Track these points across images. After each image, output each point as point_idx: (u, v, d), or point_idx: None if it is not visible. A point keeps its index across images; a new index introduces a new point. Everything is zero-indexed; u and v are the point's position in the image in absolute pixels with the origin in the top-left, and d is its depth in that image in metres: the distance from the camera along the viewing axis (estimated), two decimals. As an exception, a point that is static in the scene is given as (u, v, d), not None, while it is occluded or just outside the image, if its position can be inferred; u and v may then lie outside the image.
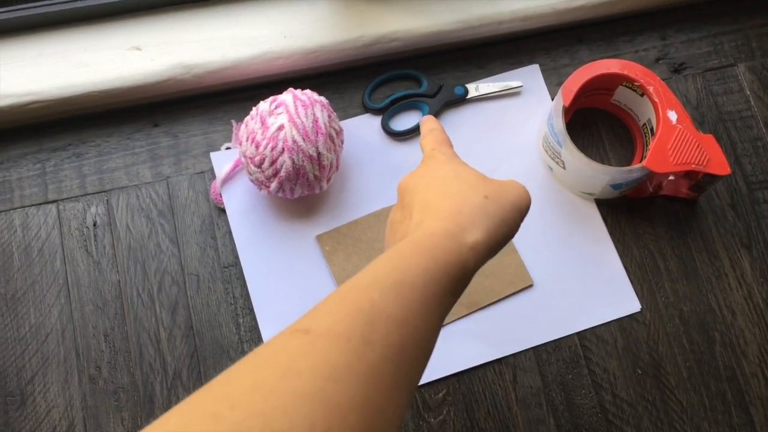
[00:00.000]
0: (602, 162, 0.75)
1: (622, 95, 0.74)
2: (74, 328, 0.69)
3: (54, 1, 0.73)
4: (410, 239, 0.47)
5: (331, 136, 0.68)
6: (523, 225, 0.72)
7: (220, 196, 0.73)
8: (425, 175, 0.53)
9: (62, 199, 0.73)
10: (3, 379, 0.67)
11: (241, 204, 0.73)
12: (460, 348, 0.70)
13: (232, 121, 0.75)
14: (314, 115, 0.67)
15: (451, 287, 0.45)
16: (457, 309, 0.70)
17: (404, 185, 0.54)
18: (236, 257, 0.71)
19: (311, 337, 0.39)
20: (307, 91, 0.69)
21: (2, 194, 0.73)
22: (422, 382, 0.68)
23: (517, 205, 0.51)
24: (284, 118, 0.66)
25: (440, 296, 0.44)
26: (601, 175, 0.70)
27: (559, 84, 0.78)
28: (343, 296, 0.43)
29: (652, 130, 0.72)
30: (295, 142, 0.66)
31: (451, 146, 0.58)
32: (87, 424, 0.66)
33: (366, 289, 0.43)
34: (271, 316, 0.70)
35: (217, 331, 0.69)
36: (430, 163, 0.55)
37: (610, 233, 0.74)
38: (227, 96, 0.77)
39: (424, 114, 0.76)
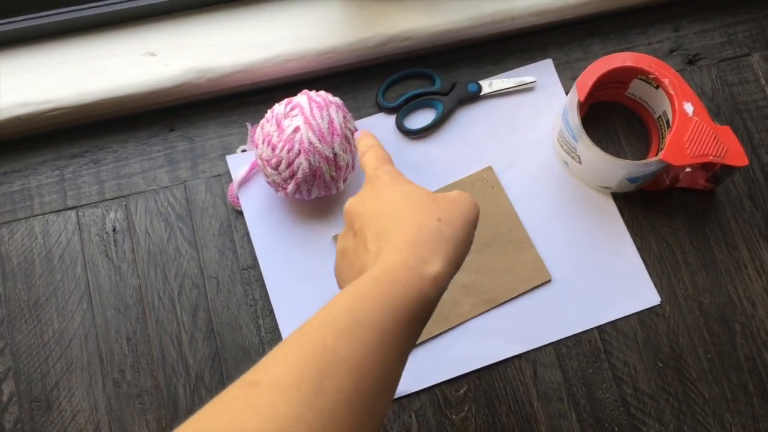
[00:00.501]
0: (618, 156, 0.74)
1: (637, 88, 0.74)
2: (97, 332, 0.70)
3: (68, 8, 0.74)
4: (369, 275, 0.46)
5: (346, 137, 0.68)
6: (540, 220, 0.73)
7: (237, 199, 0.73)
8: (373, 199, 0.52)
9: (81, 206, 0.73)
10: (28, 384, 0.68)
11: (259, 206, 0.73)
12: (479, 345, 0.70)
13: (248, 124, 0.75)
14: (329, 116, 0.67)
15: (412, 321, 0.44)
16: (476, 306, 0.70)
17: (351, 210, 0.53)
18: (255, 259, 0.72)
19: (259, 390, 0.38)
20: (322, 93, 0.70)
21: (22, 202, 0.73)
22: (443, 379, 0.69)
23: (469, 220, 0.51)
24: (300, 120, 0.67)
25: (400, 333, 0.43)
26: (618, 169, 0.70)
27: (573, 78, 0.78)
28: (296, 341, 0.42)
29: (667, 122, 0.71)
30: (311, 143, 0.66)
31: (392, 163, 0.57)
32: (112, 427, 0.67)
33: (318, 331, 0.42)
34: (291, 317, 0.70)
35: (237, 333, 0.70)
36: (375, 184, 0.54)
37: (628, 227, 0.74)
38: (242, 99, 0.77)
39: (438, 112, 0.76)
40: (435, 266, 0.46)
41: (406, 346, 0.44)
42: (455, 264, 0.48)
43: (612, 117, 0.78)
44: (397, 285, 0.44)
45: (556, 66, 0.79)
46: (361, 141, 0.61)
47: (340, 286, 0.55)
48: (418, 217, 0.49)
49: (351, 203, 0.54)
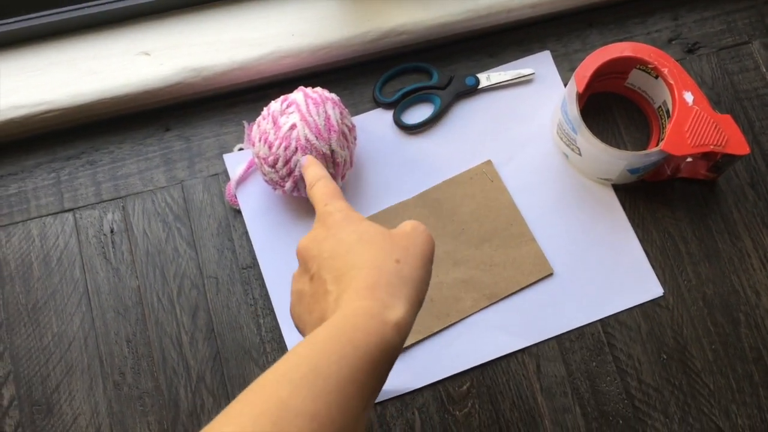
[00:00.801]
0: (618, 147, 0.74)
1: (636, 78, 0.73)
2: (96, 335, 0.69)
3: (60, 9, 0.73)
4: (329, 323, 0.45)
5: (343, 133, 0.68)
6: (541, 213, 0.72)
7: (235, 198, 0.73)
8: (327, 240, 0.51)
9: (78, 207, 0.73)
10: (28, 388, 0.67)
11: (257, 204, 0.73)
12: (482, 340, 0.69)
13: (244, 122, 0.75)
14: (326, 112, 0.67)
15: (374, 369, 0.43)
16: (477, 301, 0.70)
17: (305, 251, 0.52)
18: (254, 258, 0.71)
19: None
20: (318, 89, 0.69)
21: (19, 205, 0.73)
22: (445, 375, 0.68)
23: (427, 256, 0.50)
24: (296, 117, 0.66)
25: (361, 382, 0.42)
26: (618, 160, 0.69)
27: (572, 70, 0.77)
28: (249, 397, 0.41)
29: (667, 112, 0.71)
30: (308, 140, 0.66)
31: (342, 197, 0.55)
32: (113, 430, 0.67)
33: (274, 385, 0.41)
34: (292, 316, 0.69)
35: (238, 332, 0.69)
36: (327, 222, 0.53)
37: (629, 218, 0.73)
38: (237, 97, 0.77)
39: (436, 106, 0.76)
40: (397, 311, 0.45)
41: (368, 395, 0.43)
42: (416, 305, 0.47)
43: (611, 108, 0.77)
44: (359, 333, 0.43)
45: (555, 58, 0.79)
46: (308, 171, 0.60)
47: (299, 330, 0.53)
48: (376, 258, 0.48)
49: (304, 243, 0.52)
